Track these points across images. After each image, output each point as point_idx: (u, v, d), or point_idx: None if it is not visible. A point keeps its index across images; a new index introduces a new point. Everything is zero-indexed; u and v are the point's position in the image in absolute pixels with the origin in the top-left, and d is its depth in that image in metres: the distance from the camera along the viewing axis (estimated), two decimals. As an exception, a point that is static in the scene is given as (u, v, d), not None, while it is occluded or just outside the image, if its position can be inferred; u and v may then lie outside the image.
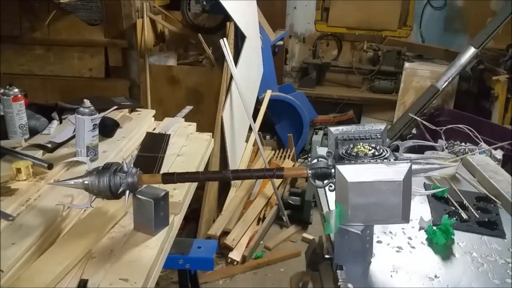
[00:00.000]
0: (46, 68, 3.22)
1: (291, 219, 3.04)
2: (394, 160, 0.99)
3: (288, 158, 3.56)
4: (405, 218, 0.97)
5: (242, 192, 3.00)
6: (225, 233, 2.68)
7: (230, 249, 2.61)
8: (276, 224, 3.04)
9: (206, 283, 2.46)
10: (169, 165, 1.48)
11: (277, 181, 3.08)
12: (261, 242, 2.84)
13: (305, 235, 2.92)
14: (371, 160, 0.98)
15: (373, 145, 1.04)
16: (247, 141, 3.32)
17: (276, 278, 2.56)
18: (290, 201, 3.06)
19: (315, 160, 1.01)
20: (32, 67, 3.21)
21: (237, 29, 2.92)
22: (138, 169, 1.06)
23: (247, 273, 2.59)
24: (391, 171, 0.94)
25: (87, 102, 1.36)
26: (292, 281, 2.29)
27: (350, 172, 0.95)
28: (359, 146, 1.03)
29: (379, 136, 1.11)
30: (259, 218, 2.93)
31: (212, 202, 2.82)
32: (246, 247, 2.67)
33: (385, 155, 1.00)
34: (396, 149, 1.06)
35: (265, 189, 3.08)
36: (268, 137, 3.93)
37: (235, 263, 2.59)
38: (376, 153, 1.00)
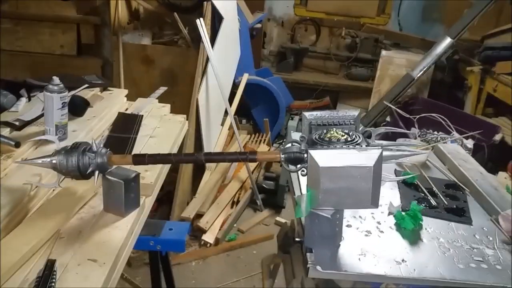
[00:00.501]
0: (14, 43, 3.09)
1: (265, 203, 3.06)
2: (366, 146, 1.00)
3: (264, 142, 3.57)
4: (374, 203, 0.98)
5: (216, 175, 2.99)
6: (199, 215, 2.68)
7: (204, 231, 2.62)
8: (250, 207, 3.06)
9: (179, 265, 2.47)
10: (141, 146, 1.46)
11: (252, 165, 3.09)
12: (235, 225, 2.86)
13: (278, 218, 2.96)
14: (343, 146, 0.99)
15: (346, 131, 1.05)
16: (222, 124, 3.30)
17: (249, 260, 2.59)
18: (264, 185, 3.08)
19: (289, 145, 1.01)
20: (-1, 42, 3.08)
21: (214, 9, 2.87)
22: (108, 149, 1.03)
23: (220, 255, 2.61)
24: (362, 157, 0.95)
25: (56, 79, 1.32)
26: (264, 263, 2.33)
27: (322, 157, 0.95)
28: (332, 132, 1.04)
29: (352, 122, 1.12)
30: (233, 201, 2.95)
31: (186, 184, 2.81)
32: (220, 229, 2.68)
33: (357, 141, 1.01)
34: (368, 135, 1.07)
35: (239, 173, 3.09)
36: (244, 121, 3.92)
37: (208, 245, 2.60)
38: (349, 139, 1.01)
